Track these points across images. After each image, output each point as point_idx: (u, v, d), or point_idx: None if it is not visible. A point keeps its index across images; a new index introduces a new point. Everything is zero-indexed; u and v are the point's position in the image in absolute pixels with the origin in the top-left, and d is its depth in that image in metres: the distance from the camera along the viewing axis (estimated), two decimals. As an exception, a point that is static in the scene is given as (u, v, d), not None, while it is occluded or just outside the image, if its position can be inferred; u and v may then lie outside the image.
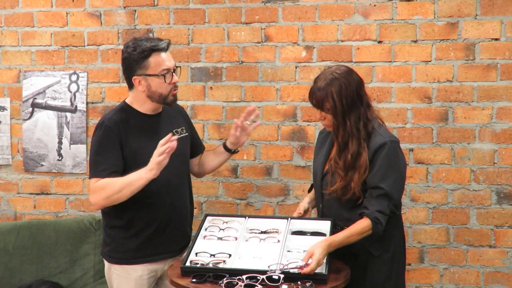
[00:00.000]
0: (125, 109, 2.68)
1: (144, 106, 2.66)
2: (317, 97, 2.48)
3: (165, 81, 2.58)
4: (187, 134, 2.83)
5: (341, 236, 2.41)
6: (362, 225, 2.42)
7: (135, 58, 2.56)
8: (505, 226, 3.34)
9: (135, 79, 2.59)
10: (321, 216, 2.69)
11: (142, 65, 2.56)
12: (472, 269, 3.39)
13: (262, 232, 2.64)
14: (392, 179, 2.46)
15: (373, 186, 2.45)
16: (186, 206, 2.81)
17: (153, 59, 2.56)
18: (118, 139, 2.59)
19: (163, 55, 2.58)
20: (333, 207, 2.60)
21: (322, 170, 2.63)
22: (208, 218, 2.77)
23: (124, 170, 2.59)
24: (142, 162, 2.56)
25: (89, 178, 2.64)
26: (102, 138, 2.61)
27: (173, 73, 2.61)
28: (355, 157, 2.46)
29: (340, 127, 2.48)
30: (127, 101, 2.71)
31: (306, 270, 2.27)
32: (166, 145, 2.40)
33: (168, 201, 2.66)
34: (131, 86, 2.64)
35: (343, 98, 2.45)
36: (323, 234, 2.57)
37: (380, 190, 2.44)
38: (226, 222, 2.74)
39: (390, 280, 2.56)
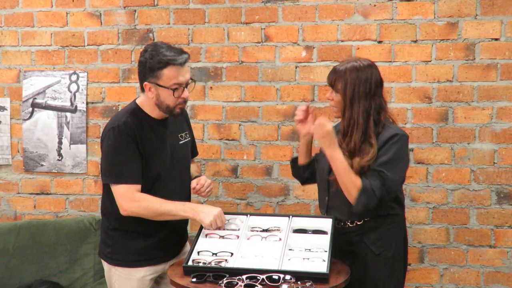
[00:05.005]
0: (136, 112, 2.63)
1: (154, 111, 2.63)
2: (333, 75, 2.57)
3: (174, 95, 2.55)
4: (190, 138, 2.83)
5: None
6: (356, 178, 2.46)
7: (150, 65, 2.52)
8: (505, 226, 3.34)
9: (146, 85, 2.56)
10: (326, 209, 2.70)
11: (155, 74, 2.52)
12: (472, 269, 3.39)
13: (263, 230, 2.64)
14: (394, 167, 2.47)
15: (373, 169, 2.47)
16: None
17: (167, 72, 2.51)
18: (135, 144, 2.56)
19: (179, 69, 2.53)
20: (338, 198, 2.60)
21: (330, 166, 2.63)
22: None
23: None
24: (152, 167, 2.59)
25: (112, 183, 2.56)
26: (120, 143, 2.56)
27: (185, 88, 2.58)
28: (359, 147, 2.49)
29: (347, 110, 2.53)
30: (138, 102, 2.67)
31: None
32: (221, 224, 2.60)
33: None
34: (143, 89, 2.61)
35: (356, 84, 2.50)
36: (324, 232, 2.57)
37: (379, 172, 2.46)
38: (228, 220, 2.74)
39: (391, 279, 2.56)
